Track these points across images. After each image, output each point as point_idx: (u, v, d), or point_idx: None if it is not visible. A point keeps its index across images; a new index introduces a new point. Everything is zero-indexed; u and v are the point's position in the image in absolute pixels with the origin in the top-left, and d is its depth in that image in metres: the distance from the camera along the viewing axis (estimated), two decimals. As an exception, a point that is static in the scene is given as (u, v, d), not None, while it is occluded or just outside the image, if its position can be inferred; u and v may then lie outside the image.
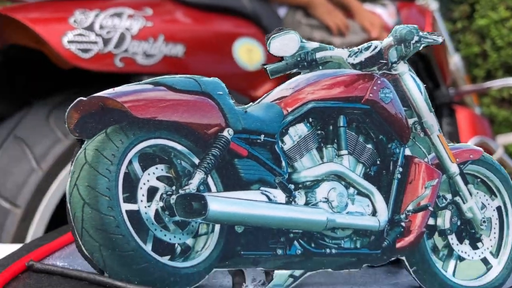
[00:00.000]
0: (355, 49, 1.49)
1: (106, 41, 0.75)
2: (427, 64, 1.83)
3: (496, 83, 2.20)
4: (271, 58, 0.98)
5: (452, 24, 3.50)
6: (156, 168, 0.90)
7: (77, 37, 0.72)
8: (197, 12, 1.02)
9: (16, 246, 0.53)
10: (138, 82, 0.50)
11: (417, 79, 1.43)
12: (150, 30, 0.83)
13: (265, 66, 1.43)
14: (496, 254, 1.77)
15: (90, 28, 0.74)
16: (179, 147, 0.95)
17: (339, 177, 1.35)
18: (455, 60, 2.13)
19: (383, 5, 1.65)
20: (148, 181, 0.90)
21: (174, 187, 0.78)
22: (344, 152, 1.45)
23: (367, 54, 1.50)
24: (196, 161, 1.02)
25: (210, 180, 1.01)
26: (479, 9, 3.37)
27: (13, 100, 0.93)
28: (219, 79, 0.90)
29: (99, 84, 0.51)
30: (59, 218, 0.65)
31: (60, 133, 0.75)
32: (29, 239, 0.65)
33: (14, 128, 0.74)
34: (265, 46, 1.00)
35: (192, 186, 0.94)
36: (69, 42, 0.71)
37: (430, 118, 1.63)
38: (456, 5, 3.51)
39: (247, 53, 1.01)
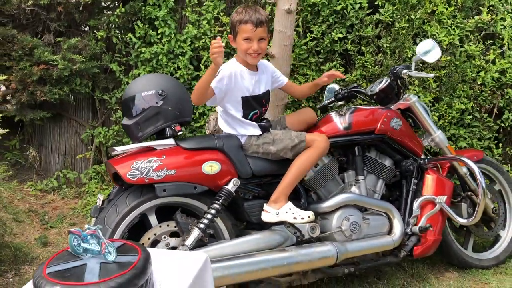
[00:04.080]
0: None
1: (141, 173, 2.10)
2: (390, 145, 2.70)
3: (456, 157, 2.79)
4: (224, 169, 2.23)
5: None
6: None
7: (132, 173, 2.10)
8: (189, 151, 2.18)
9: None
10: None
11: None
12: (161, 166, 2.12)
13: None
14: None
15: (137, 168, 2.12)
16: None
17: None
18: (439, 134, 2.86)
19: (341, 115, 2.61)
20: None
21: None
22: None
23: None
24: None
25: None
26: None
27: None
28: (192, 181, 2.17)
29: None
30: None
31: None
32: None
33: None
34: (222, 163, 2.24)
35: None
36: (128, 175, 2.11)
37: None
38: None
39: (209, 167, 2.18)
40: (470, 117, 3.81)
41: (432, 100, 3.73)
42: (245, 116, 2.36)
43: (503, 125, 3.94)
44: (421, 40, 3.54)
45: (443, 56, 3.65)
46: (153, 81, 2.29)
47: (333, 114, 2.63)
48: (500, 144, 3.92)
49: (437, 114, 3.74)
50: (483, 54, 3.79)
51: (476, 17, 3.72)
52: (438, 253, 2.96)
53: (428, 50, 2.55)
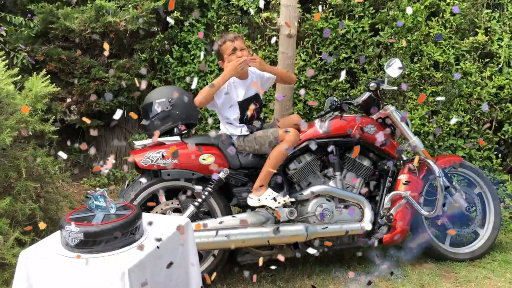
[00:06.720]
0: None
1: (151, 160, 2.76)
2: (366, 148, 3.18)
3: (423, 159, 3.17)
4: (218, 161, 2.85)
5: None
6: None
7: (144, 160, 2.76)
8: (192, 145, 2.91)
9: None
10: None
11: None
12: (167, 156, 2.81)
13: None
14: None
15: (149, 157, 2.78)
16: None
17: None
18: (414, 140, 3.28)
19: (322, 121, 3.12)
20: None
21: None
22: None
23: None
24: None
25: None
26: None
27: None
28: (191, 169, 2.80)
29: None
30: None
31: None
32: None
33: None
34: (216, 156, 2.85)
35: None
36: (142, 162, 2.76)
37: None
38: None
39: (205, 158, 2.84)
40: (468, 128, 4.15)
41: (430, 112, 4.13)
42: (242, 116, 2.93)
43: (503, 137, 4.23)
44: (418, 59, 4.01)
45: (439, 72, 4.06)
46: (166, 91, 2.95)
47: (316, 121, 3.15)
48: (500, 155, 4.22)
49: (435, 126, 4.12)
50: (480, 71, 4.13)
51: (471, 38, 4.09)
52: (421, 247, 3.37)
53: (397, 68, 3.02)
